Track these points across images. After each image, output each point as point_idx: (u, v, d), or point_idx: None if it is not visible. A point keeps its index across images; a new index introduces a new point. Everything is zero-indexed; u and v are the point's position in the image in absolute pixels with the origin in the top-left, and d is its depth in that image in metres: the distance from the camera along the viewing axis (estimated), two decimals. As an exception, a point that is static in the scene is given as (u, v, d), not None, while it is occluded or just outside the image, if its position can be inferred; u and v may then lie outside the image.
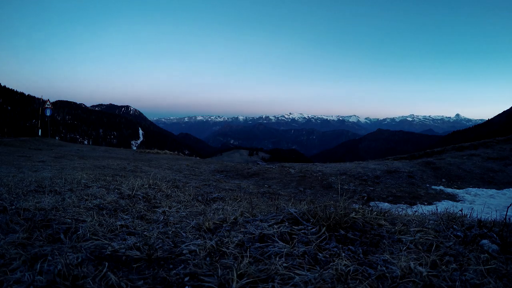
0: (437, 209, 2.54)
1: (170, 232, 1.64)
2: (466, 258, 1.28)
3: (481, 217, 1.92)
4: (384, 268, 1.17)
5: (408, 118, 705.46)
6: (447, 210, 2.12)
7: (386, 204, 6.34)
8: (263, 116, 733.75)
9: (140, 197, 2.68)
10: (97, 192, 2.72)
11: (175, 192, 3.24)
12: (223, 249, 1.35)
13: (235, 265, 1.13)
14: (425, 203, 6.53)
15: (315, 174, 8.95)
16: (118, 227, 1.71)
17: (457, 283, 1.06)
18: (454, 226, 1.71)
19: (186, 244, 1.43)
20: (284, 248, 1.34)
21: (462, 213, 1.95)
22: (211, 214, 2.02)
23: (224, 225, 1.78)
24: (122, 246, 1.36)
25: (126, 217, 1.99)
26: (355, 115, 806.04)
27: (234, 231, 1.64)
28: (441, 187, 8.07)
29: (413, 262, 1.19)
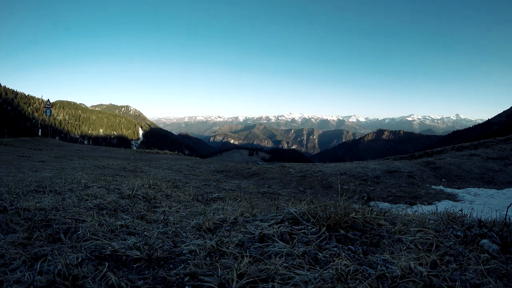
0: (437, 209, 2.54)
1: (170, 232, 1.64)
2: (466, 258, 1.28)
3: (481, 217, 1.92)
4: (384, 268, 1.17)
5: (408, 118, 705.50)
6: (447, 210, 2.12)
7: (386, 204, 6.34)
8: (263, 116, 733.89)
9: (140, 197, 2.68)
10: (97, 192, 2.72)
11: (175, 192, 3.24)
12: (223, 249, 1.35)
13: (235, 265, 1.13)
14: (425, 203, 6.52)
15: (315, 174, 8.95)
16: (118, 227, 1.71)
17: (457, 283, 1.06)
18: (454, 226, 1.71)
19: (186, 244, 1.43)
20: (284, 248, 1.34)
21: (462, 213, 1.95)
22: (211, 214, 2.03)
23: (224, 225, 1.78)
24: (122, 246, 1.36)
25: (126, 217, 1.99)
26: (355, 115, 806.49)
27: (234, 231, 1.64)
28: (441, 187, 8.07)
29: (413, 262, 1.19)
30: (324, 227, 1.54)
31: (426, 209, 4.97)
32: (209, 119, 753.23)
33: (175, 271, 1.15)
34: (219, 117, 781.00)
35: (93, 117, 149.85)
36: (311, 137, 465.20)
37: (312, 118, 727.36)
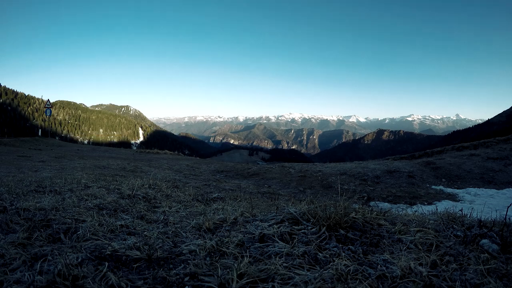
0: (437, 209, 2.54)
1: (170, 232, 1.64)
2: (466, 258, 1.28)
3: (481, 217, 1.92)
4: (384, 268, 1.16)
5: (408, 118, 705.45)
6: (447, 210, 2.12)
7: (386, 204, 6.34)
8: (263, 116, 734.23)
9: (140, 197, 2.68)
10: (97, 192, 2.72)
11: (175, 192, 3.24)
12: (223, 249, 1.35)
13: (235, 265, 1.13)
14: (425, 203, 6.52)
15: (315, 174, 8.95)
16: (118, 227, 1.71)
17: (457, 283, 1.06)
18: (454, 226, 1.71)
19: (186, 244, 1.43)
20: (284, 248, 1.34)
21: (462, 213, 1.95)
22: (211, 214, 2.02)
23: (224, 225, 1.78)
24: (122, 246, 1.36)
25: (126, 217, 1.99)
26: (355, 115, 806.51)
27: (234, 231, 1.64)
28: (441, 187, 8.07)
29: (413, 262, 1.19)
30: (324, 227, 1.54)
31: (426, 209, 4.97)
32: (209, 119, 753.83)
33: (175, 271, 1.15)
34: (219, 117, 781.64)
35: (93, 117, 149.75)
36: (311, 137, 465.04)
37: (312, 118, 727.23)
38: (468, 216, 1.98)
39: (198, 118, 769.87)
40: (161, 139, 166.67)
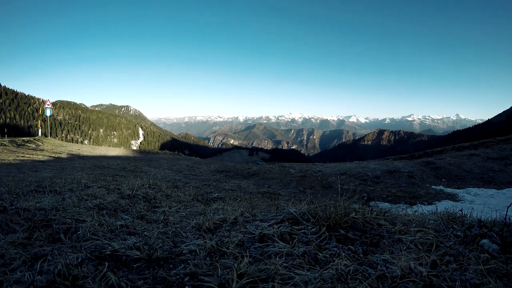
0: (437, 209, 2.54)
1: (170, 232, 1.64)
2: (466, 258, 1.28)
3: (481, 217, 1.92)
4: (384, 268, 1.16)
5: (408, 118, 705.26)
6: (447, 210, 2.12)
7: (386, 204, 6.34)
8: (263, 116, 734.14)
9: (140, 197, 2.68)
10: (97, 192, 2.72)
11: (175, 192, 3.24)
12: (223, 249, 1.35)
13: (235, 265, 1.13)
14: (425, 203, 6.52)
15: (315, 174, 8.95)
16: (118, 227, 1.71)
17: (457, 283, 1.06)
18: (454, 226, 1.71)
19: (186, 244, 1.43)
20: (284, 248, 1.34)
21: (462, 213, 1.95)
22: (211, 214, 2.02)
23: (224, 225, 1.78)
24: (122, 246, 1.36)
25: (126, 217, 1.99)
26: (355, 115, 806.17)
27: (234, 231, 1.64)
28: (441, 187, 8.07)
29: (413, 262, 1.19)
30: (324, 227, 1.54)
31: (426, 209, 4.97)
32: (209, 119, 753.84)
33: (175, 271, 1.15)
34: (219, 117, 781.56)
35: (93, 117, 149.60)
36: (311, 137, 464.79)
37: (312, 118, 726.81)
38: (468, 216, 1.98)
39: (198, 118, 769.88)
40: (161, 139, 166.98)
